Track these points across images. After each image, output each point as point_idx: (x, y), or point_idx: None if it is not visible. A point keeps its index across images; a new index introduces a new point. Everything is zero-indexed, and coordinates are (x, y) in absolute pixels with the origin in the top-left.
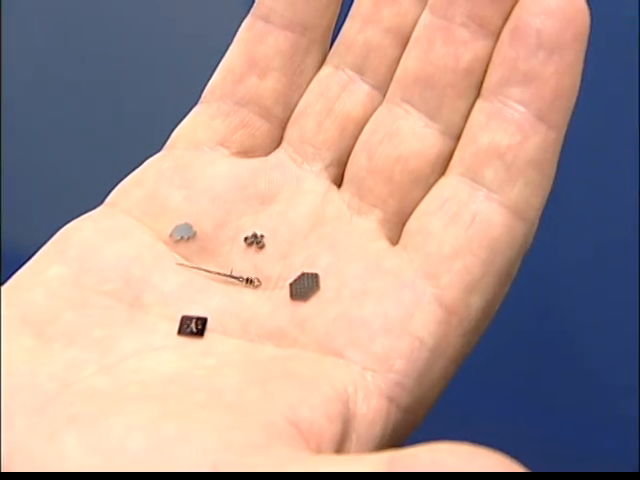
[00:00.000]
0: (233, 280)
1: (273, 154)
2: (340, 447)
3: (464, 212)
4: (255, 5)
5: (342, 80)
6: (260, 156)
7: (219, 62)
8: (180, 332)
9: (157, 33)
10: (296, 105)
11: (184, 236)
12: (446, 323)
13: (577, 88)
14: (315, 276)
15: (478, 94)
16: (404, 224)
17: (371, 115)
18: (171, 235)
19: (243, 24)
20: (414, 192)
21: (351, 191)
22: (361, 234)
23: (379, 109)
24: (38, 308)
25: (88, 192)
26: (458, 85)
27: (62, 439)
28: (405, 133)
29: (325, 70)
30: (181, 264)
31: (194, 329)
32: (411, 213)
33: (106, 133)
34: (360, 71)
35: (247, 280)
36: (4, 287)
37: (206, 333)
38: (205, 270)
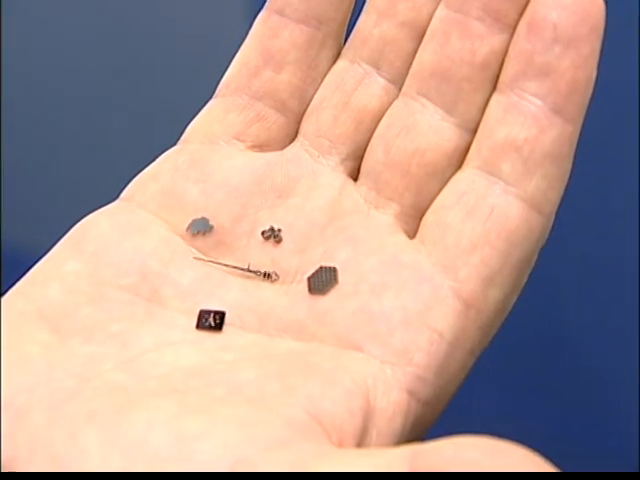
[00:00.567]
0: (251, 274)
1: (289, 148)
2: (361, 441)
3: (481, 205)
4: None
5: (358, 74)
6: (275, 150)
7: (221, 58)
8: (198, 326)
9: (159, 30)
10: (311, 99)
11: (201, 230)
12: (464, 316)
13: (593, 81)
14: (333, 270)
15: (494, 88)
16: (421, 217)
17: (387, 109)
18: (188, 229)
19: (258, 18)
20: (431, 185)
21: (368, 185)
22: (378, 228)
23: (395, 103)
24: (55, 303)
25: (88, 192)
26: (474, 79)
27: (83, 436)
28: (421, 127)
29: (340, 64)
30: (198, 258)
31: (212, 323)
32: (428, 206)
33: (106, 133)
34: (376, 65)
35: (265, 274)
36: (20, 282)
37: (224, 327)
38: (222, 264)
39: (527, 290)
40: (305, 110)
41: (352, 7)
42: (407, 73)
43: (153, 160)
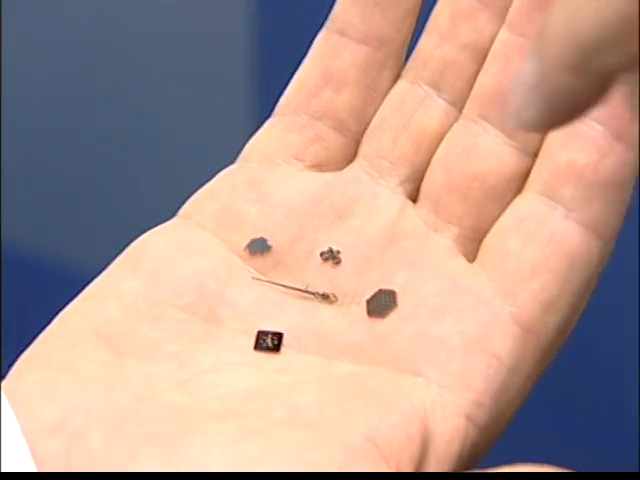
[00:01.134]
0: (309, 295)
1: (348, 168)
2: (418, 466)
3: (542, 230)
4: (330, 19)
5: (418, 95)
6: (333, 170)
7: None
8: (256, 347)
9: (159, 30)
10: (371, 119)
11: (259, 250)
12: (523, 341)
13: None
14: (392, 293)
15: None
16: (479, 241)
17: (447, 131)
18: (246, 249)
19: (318, 37)
20: (490, 209)
21: (427, 207)
22: (438, 251)
23: (455, 125)
24: (113, 322)
25: (88, 192)
26: None
27: (142, 457)
28: (482, 150)
29: (401, 85)
30: (256, 278)
31: (270, 344)
32: (487, 230)
33: (106, 133)
34: (436, 87)
35: (323, 295)
36: (76, 299)
37: (282, 349)
38: (281, 285)
39: None
40: (364, 130)
41: (413, 28)
42: (468, 95)
43: (153, 160)
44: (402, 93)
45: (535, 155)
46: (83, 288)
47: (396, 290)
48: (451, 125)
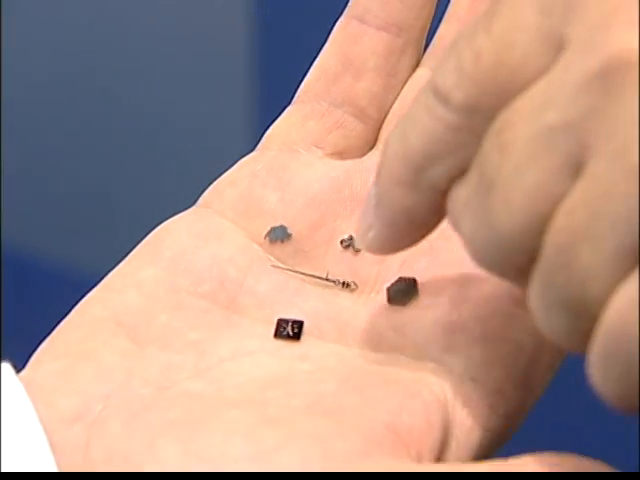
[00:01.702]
0: (329, 283)
1: (368, 155)
2: (439, 454)
3: None
4: (350, 5)
5: None
6: (354, 157)
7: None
8: (277, 335)
9: (160, 29)
10: (391, 106)
11: (279, 238)
12: None
13: None
14: (413, 281)
15: None
16: None
17: None
18: (266, 237)
19: (337, 24)
20: None
21: None
22: (458, 239)
23: None
24: (132, 310)
25: (88, 192)
26: None
27: (162, 446)
28: None
29: (420, 72)
30: (276, 266)
31: (290, 332)
32: None
33: (106, 133)
34: None
35: (343, 283)
36: (96, 288)
37: (302, 337)
38: (301, 273)
39: None
40: (384, 118)
41: (432, 14)
42: None
43: (154, 160)
44: (422, 80)
45: None
46: (83, 288)
47: (417, 278)
48: None
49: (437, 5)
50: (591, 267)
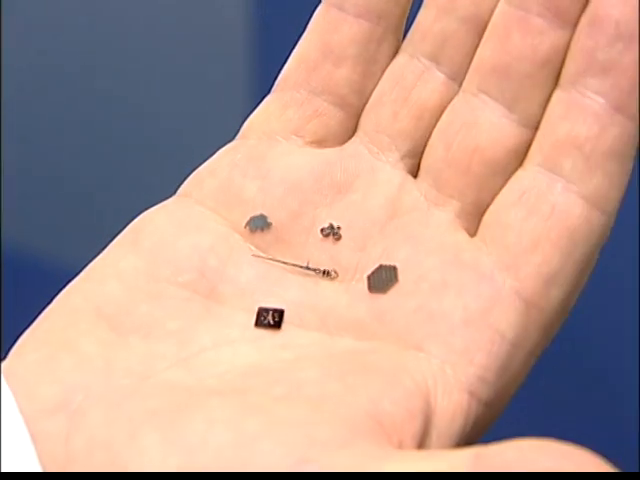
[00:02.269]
0: (310, 272)
1: (348, 144)
2: (421, 442)
3: (543, 203)
4: None
5: (417, 69)
6: (334, 146)
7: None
8: (257, 324)
9: (160, 29)
10: (371, 94)
11: (259, 227)
12: (526, 316)
13: None
14: (393, 268)
15: (555, 84)
16: (481, 215)
17: (447, 105)
18: (246, 226)
19: (316, 12)
20: (492, 183)
21: (428, 182)
22: (439, 225)
23: (455, 99)
24: (113, 300)
25: (88, 192)
26: (535, 76)
27: (143, 435)
28: (482, 124)
29: (400, 59)
30: (257, 255)
31: (271, 321)
32: (489, 204)
33: (106, 133)
34: (436, 60)
35: (324, 272)
36: (77, 279)
37: (283, 325)
38: (281, 261)
39: None
40: (364, 105)
41: (411, 1)
42: (467, 69)
43: (154, 160)
44: (401, 67)
45: (536, 128)
46: None
47: (397, 265)
48: (451, 99)
49: None
50: None
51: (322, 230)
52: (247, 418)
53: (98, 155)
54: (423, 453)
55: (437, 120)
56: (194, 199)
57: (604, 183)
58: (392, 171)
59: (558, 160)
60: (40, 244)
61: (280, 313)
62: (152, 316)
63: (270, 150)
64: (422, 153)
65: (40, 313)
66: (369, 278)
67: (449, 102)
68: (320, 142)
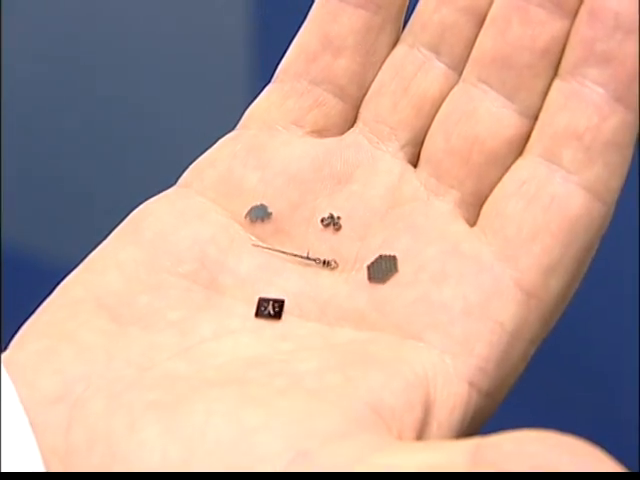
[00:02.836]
0: (310, 262)
1: (348, 134)
2: (421, 433)
3: (542, 194)
4: None
5: (417, 59)
6: (334, 136)
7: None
8: (257, 314)
9: (160, 29)
10: (370, 84)
11: (260, 217)
12: (525, 306)
13: None
14: (393, 258)
15: (555, 74)
16: (481, 205)
17: (447, 95)
18: (246, 216)
19: (316, 2)
20: (491, 173)
21: (428, 172)
22: (438, 215)
23: (455, 89)
24: (113, 291)
25: (88, 192)
26: (535, 65)
27: (142, 426)
28: (482, 114)
29: (400, 49)
30: (257, 245)
31: (271, 311)
32: (488, 194)
33: (106, 133)
34: (436, 50)
35: (324, 262)
36: (77, 270)
37: (283, 316)
38: (281, 252)
39: None
40: (364, 96)
41: None
42: (467, 59)
43: (154, 160)
44: (401, 57)
45: (535, 118)
46: None
47: (397, 255)
48: (451, 89)
49: None
50: None
51: (322, 220)
52: (247, 410)
53: (98, 155)
54: (422, 444)
55: (437, 110)
56: (194, 189)
57: (604, 173)
58: (392, 161)
59: (558, 150)
60: (40, 243)
61: (280, 303)
62: (152, 307)
63: (270, 140)
64: (422, 143)
65: None
66: (369, 268)
67: (449, 92)
68: (320, 132)
